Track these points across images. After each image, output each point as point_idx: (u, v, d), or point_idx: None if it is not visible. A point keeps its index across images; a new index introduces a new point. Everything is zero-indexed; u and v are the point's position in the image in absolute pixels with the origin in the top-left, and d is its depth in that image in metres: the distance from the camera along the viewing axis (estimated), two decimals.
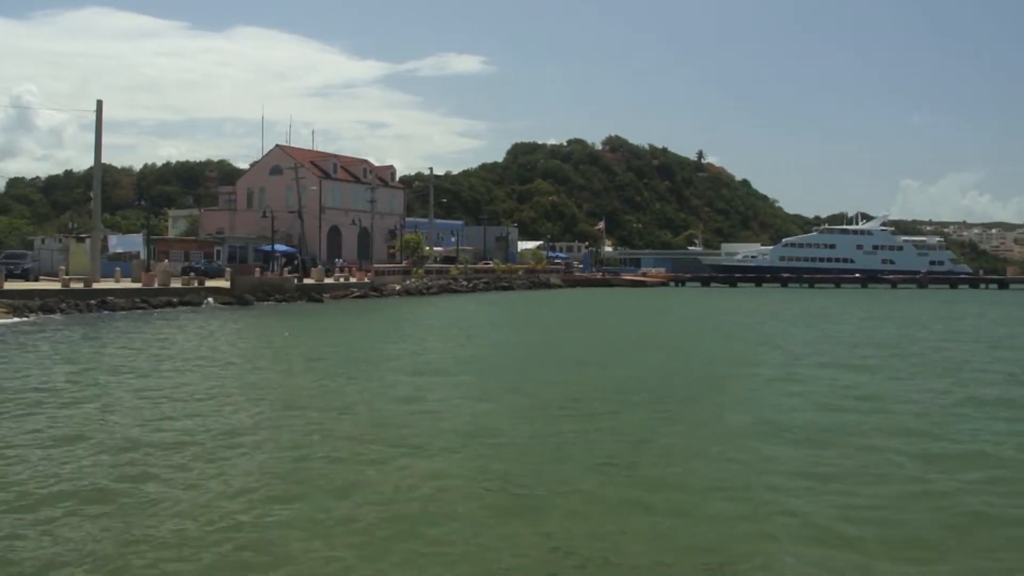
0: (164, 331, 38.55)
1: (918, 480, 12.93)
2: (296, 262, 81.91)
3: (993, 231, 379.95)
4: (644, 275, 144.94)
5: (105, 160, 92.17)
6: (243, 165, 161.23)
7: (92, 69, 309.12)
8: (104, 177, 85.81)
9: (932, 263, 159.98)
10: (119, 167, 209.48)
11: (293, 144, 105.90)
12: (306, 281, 72.64)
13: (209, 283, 63.42)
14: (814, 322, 51.74)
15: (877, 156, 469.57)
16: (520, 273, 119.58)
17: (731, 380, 24.84)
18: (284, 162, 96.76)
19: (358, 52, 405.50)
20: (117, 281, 60.50)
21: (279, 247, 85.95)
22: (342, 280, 79.11)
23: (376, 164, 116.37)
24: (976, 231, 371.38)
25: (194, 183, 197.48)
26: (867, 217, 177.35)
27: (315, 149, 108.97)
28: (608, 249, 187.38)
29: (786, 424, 17.24)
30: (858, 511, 11.24)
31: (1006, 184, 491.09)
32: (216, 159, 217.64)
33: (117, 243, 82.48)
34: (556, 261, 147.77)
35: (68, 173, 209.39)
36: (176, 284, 60.25)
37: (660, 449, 14.91)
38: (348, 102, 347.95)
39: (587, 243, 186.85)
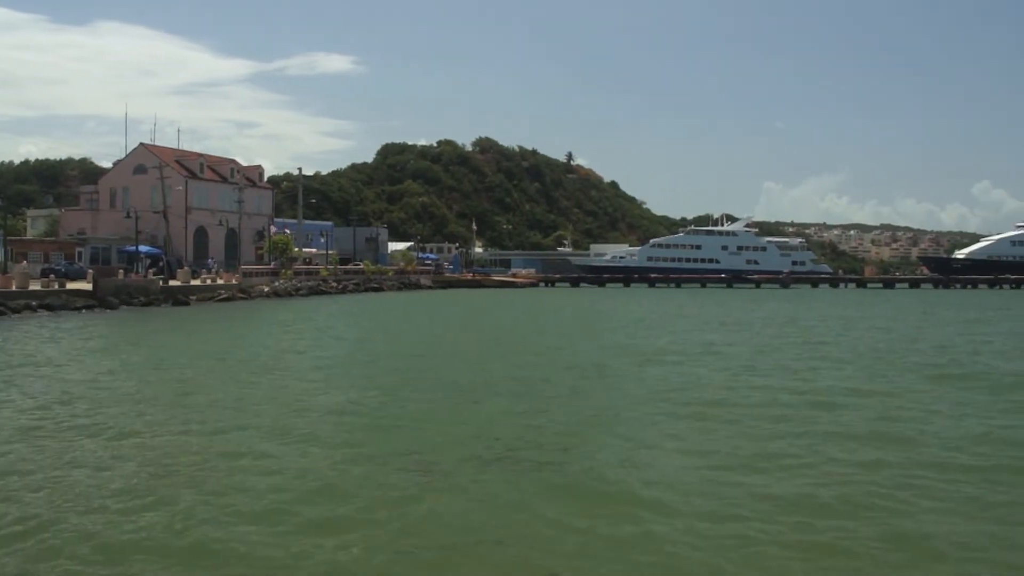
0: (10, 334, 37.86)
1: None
2: (161, 264, 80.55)
3: (852, 232, 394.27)
4: (514, 276, 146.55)
5: None
6: (106, 164, 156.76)
7: None
8: None
9: (794, 263, 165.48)
10: None
11: (158, 143, 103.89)
12: (172, 283, 71.66)
13: (70, 285, 62.15)
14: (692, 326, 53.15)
15: (741, 159, 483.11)
16: (390, 274, 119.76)
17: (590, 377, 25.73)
18: (149, 161, 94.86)
19: (225, 50, 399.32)
20: None
21: (144, 248, 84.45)
22: (209, 282, 78.19)
23: (244, 164, 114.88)
24: (836, 232, 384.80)
25: (54, 182, 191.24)
26: (732, 219, 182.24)
27: (181, 148, 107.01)
28: (478, 250, 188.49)
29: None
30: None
31: (863, 187, 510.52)
32: (77, 157, 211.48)
33: None
34: (426, 262, 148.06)
35: None
36: (35, 287, 58.82)
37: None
38: (215, 101, 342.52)
39: (457, 244, 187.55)
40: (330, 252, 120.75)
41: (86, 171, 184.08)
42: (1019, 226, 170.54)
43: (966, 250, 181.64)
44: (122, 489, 12.46)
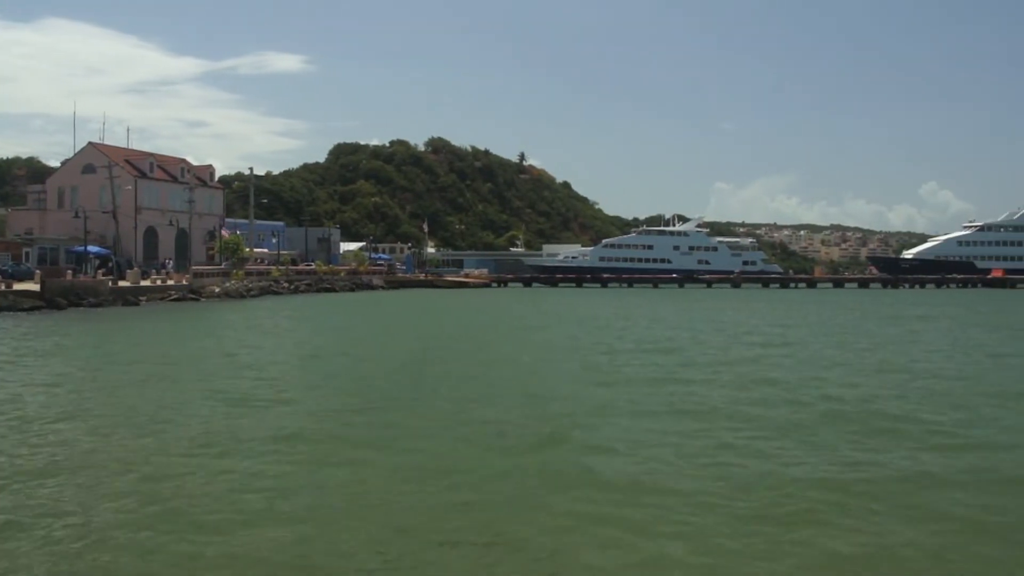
0: None
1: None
2: (111, 264, 79.68)
3: (802, 233, 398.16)
4: (467, 276, 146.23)
5: None
6: (54, 163, 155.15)
7: None
8: None
9: (745, 263, 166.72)
10: None
11: (107, 142, 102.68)
12: (121, 284, 70.92)
13: (17, 286, 61.39)
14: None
15: (692, 160, 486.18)
16: (342, 275, 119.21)
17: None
18: (97, 160, 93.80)
19: (175, 48, 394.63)
20: None
21: (92, 248, 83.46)
22: (159, 283, 77.49)
23: (194, 163, 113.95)
24: (786, 232, 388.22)
25: (1, 181, 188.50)
26: (683, 219, 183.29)
27: (130, 147, 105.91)
28: (431, 250, 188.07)
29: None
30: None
31: (812, 188, 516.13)
32: (25, 156, 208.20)
33: None
34: (379, 263, 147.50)
35: None
36: None
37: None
38: (165, 100, 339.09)
39: (410, 244, 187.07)
40: (286, 253, 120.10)
41: (33, 170, 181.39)
42: (966, 226, 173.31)
43: (914, 250, 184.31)
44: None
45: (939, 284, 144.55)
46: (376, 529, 11.02)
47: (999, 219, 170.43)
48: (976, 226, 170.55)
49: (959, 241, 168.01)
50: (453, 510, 11.78)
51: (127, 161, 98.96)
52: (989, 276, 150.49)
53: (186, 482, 13.08)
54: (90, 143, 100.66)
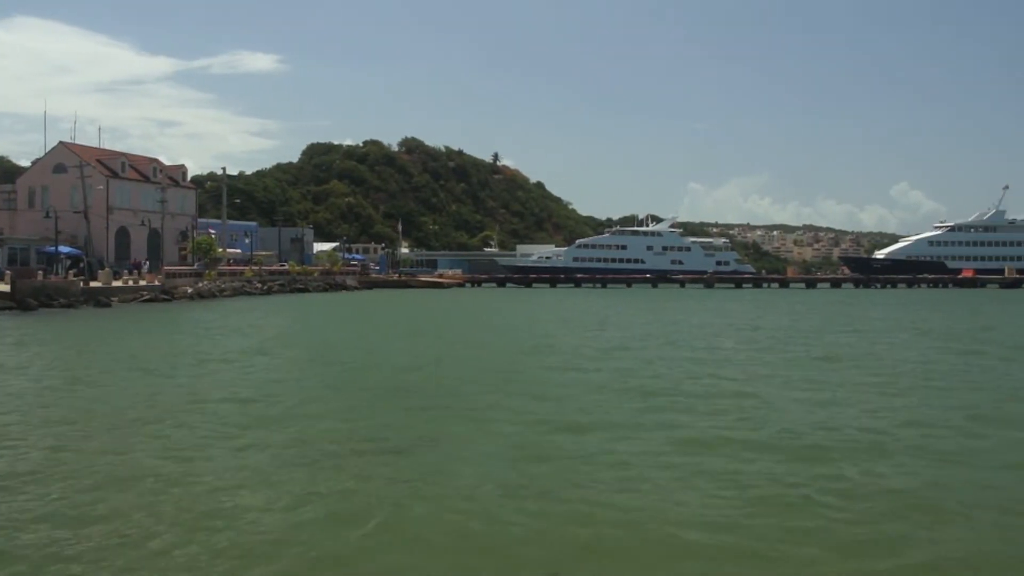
0: None
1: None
2: (82, 265, 79.13)
3: (775, 233, 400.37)
4: (441, 276, 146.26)
5: None
6: (24, 163, 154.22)
7: None
8: None
9: (718, 263, 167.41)
10: None
11: (78, 141, 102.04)
12: (93, 284, 70.48)
13: None
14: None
15: (665, 160, 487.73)
16: (316, 275, 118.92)
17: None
18: (69, 160, 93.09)
19: (147, 47, 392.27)
20: None
21: (64, 249, 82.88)
22: (131, 283, 77.04)
23: (167, 163, 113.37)
24: (759, 233, 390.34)
25: None
26: (657, 219, 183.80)
27: (102, 147, 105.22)
28: (404, 251, 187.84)
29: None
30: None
31: (785, 189, 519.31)
32: None
33: None
34: (352, 263, 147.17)
35: None
36: None
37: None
38: (137, 99, 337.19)
39: (383, 244, 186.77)
40: (264, 252, 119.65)
41: (3, 170, 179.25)
42: (936, 227, 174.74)
43: (886, 250, 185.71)
44: None
45: (910, 284, 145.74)
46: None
47: (969, 219, 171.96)
48: (947, 226, 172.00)
49: (930, 241, 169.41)
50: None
51: (99, 161, 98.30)
52: (959, 276, 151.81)
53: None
54: (61, 142, 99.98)
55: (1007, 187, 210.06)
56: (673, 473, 13.73)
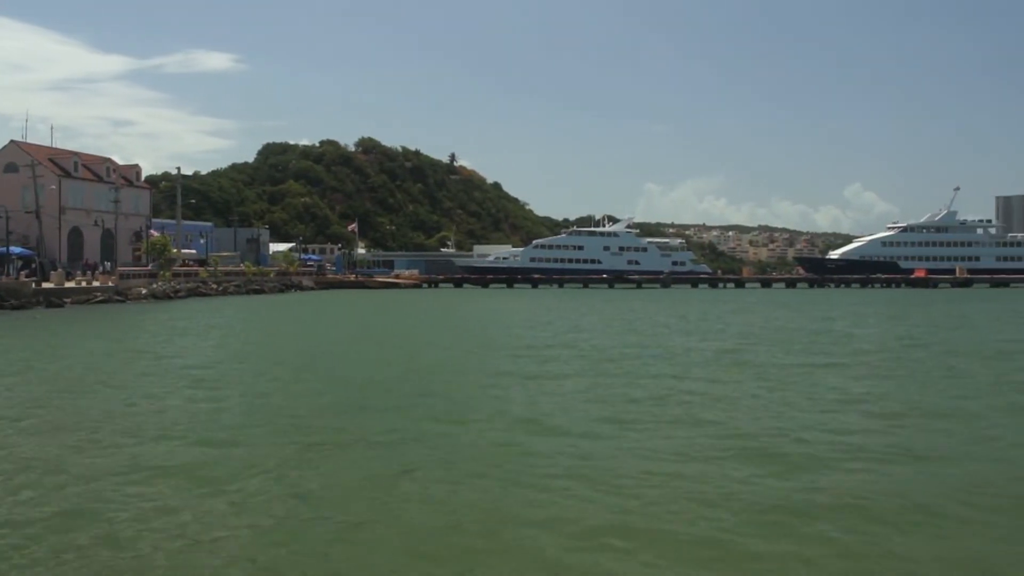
0: None
1: None
2: (34, 265, 78.21)
3: (730, 233, 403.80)
4: (397, 277, 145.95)
5: None
6: None
7: None
8: None
9: (675, 263, 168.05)
10: None
11: (30, 140, 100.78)
12: (45, 285, 69.69)
13: None
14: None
15: (622, 161, 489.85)
16: (272, 276, 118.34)
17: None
18: (20, 159, 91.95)
19: (100, 45, 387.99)
20: None
21: (15, 249, 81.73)
22: (84, 284, 76.24)
23: (120, 163, 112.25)
24: (715, 233, 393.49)
25: None
26: (613, 220, 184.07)
27: (54, 146, 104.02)
28: (361, 251, 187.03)
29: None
30: None
31: (740, 189, 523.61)
32: None
33: None
34: (309, 263, 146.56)
35: None
36: None
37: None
38: (90, 98, 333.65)
39: (340, 245, 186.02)
40: (226, 253, 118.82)
41: None
42: (890, 227, 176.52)
43: (840, 250, 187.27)
44: None
45: (864, 284, 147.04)
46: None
47: (921, 220, 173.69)
48: (899, 227, 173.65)
49: (883, 242, 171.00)
50: None
51: (51, 160, 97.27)
52: (912, 276, 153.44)
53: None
54: (12, 141, 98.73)
55: (958, 189, 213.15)
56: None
